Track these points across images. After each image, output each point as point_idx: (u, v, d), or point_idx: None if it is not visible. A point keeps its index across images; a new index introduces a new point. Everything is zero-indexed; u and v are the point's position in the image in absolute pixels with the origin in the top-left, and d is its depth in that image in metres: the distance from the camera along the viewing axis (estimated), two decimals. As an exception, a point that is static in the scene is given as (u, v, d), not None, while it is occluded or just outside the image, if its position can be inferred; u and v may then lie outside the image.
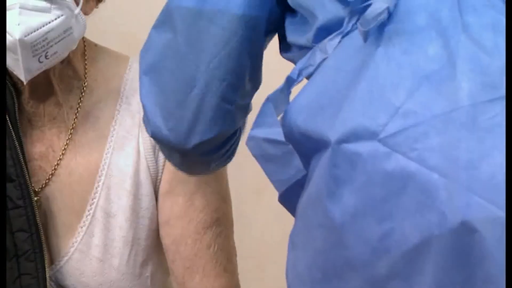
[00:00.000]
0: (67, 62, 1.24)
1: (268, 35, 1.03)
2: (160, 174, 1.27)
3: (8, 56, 1.13)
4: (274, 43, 1.06)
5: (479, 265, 0.75)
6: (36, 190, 1.25)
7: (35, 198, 1.23)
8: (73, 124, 1.26)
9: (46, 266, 1.22)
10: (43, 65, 1.15)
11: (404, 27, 0.83)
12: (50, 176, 1.26)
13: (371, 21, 0.83)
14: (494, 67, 0.79)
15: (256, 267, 1.91)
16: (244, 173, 1.65)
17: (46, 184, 1.26)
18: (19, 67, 1.13)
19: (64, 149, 1.26)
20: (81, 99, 1.27)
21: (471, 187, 0.75)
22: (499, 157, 0.76)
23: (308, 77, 0.92)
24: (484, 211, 0.75)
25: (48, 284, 1.22)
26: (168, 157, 1.10)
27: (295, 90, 0.92)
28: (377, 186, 0.79)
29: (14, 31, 1.11)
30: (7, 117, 1.22)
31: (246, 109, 1.07)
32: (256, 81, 1.05)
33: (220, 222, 1.28)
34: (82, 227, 1.26)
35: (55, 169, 1.26)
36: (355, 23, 0.88)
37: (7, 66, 1.15)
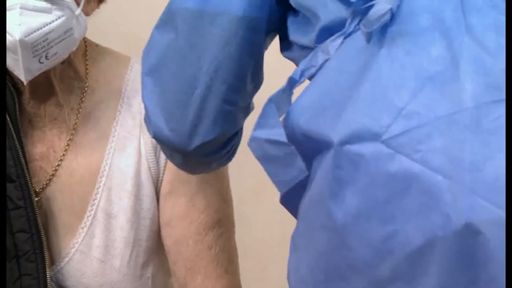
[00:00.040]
0: (68, 62, 1.24)
1: (269, 35, 1.03)
2: (161, 175, 1.27)
3: (8, 57, 1.12)
4: (274, 42, 1.06)
5: (483, 267, 0.75)
6: (37, 190, 1.25)
7: (36, 199, 1.23)
8: (74, 125, 1.26)
9: (46, 266, 1.22)
10: (44, 66, 1.15)
11: (407, 28, 0.83)
12: (51, 177, 1.26)
13: (374, 22, 0.83)
14: (497, 68, 0.78)
15: (257, 267, 1.91)
16: (245, 173, 1.65)
17: (46, 184, 1.26)
18: (19, 67, 1.13)
19: (65, 149, 1.26)
20: (82, 99, 1.26)
21: (475, 189, 0.75)
22: (503, 159, 0.75)
23: (310, 78, 0.92)
24: (488, 213, 0.74)
25: (48, 285, 1.22)
26: (170, 157, 1.10)
27: (297, 91, 0.92)
28: (380, 187, 0.79)
29: (15, 31, 1.10)
30: (7, 118, 1.22)
31: (247, 109, 1.07)
32: (257, 82, 1.05)
33: (222, 223, 1.28)
34: (83, 228, 1.25)
35: (56, 169, 1.26)
36: (358, 24, 0.88)
37: (7, 67, 1.15)
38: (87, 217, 1.25)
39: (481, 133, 0.76)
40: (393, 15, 0.83)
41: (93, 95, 1.27)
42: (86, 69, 1.27)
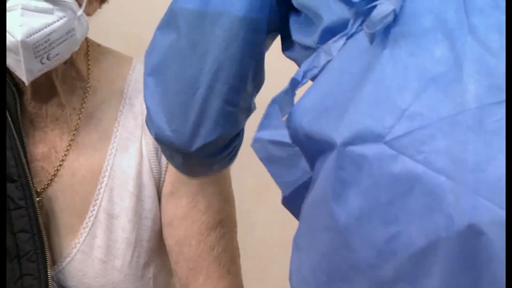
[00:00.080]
0: (70, 63, 1.24)
1: (270, 35, 1.03)
2: (163, 176, 1.26)
3: (10, 57, 1.12)
4: (276, 43, 1.06)
5: (486, 268, 0.75)
6: (38, 190, 1.25)
7: (37, 199, 1.23)
8: (76, 125, 1.26)
9: (48, 266, 1.22)
10: (45, 67, 1.15)
11: (410, 29, 0.83)
12: (52, 177, 1.25)
13: (377, 23, 0.83)
14: (500, 69, 0.78)
15: (257, 267, 1.91)
16: (246, 173, 1.65)
17: (48, 185, 1.26)
18: (21, 68, 1.13)
19: (67, 150, 1.26)
20: (84, 100, 1.26)
21: (478, 190, 0.75)
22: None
23: (312, 79, 0.92)
24: (491, 213, 0.74)
25: (50, 285, 1.22)
26: (170, 158, 1.10)
27: (300, 92, 0.92)
28: (383, 188, 0.79)
29: (16, 32, 1.10)
30: (9, 118, 1.22)
31: (249, 110, 1.07)
32: (258, 82, 1.05)
33: (224, 223, 1.27)
34: (84, 228, 1.25)
35: (57, 170, 1.25)
36: (360, 24, 0.88)
37: (9, 67, 1.15)
38: (89, 218, 1.25)
39: (484, 134, 0.76)
40: (396, 16, 0.83)
41: (95, 96, 1.27)
42: (88, 69, 1.27)
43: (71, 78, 1.26)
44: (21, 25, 1.10)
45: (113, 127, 1.26)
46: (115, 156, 1.25)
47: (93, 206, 1.25)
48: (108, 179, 1.25)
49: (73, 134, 1.26)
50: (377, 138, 0.80)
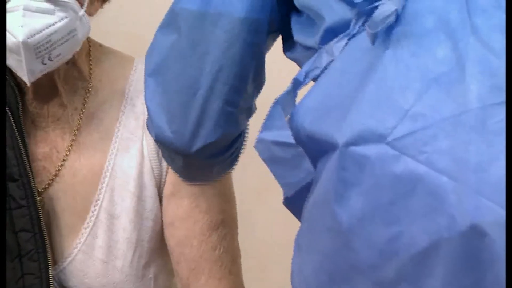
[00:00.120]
0: (72, 63, 1.24)
1: (271, 36, 1.03)
2: (164, 176, 1.26)
3: (11, 58, 1.12)
4: (276, 43, 1.06)
5: (489, 269, 0.75)
6: (39, 190, 1.25)
7: (38, 198, 1.23)
8: (77, 125, 1.26)
9: (49, 266, 1.22)
10: (47, 67, 1.15)
11: (412, 29, 0.82)
12: (53, 177, 1.26)
13: (380, 23, 0.82)
14: (503, 69, 0.78)
15: (257, 268, 1.91)
16: (247, 173, 1.65)
17: (49, 184, 1.26)
18: (22, 68, 1.13)
19: (68, 150, 1.26)
20: (86, 100, 1.26)
21: (480, 190, 0.75)
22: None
23: (314, 80, 0.91)
24: (493, 214, 0.74)
25: (51, 285, 1.22)
26: (170, 162, 1.10)
27: (302, 92, 0.91)
28: (385, 189, 0.79)
29: (18, 33, 1.10)
30: (11, 117, 1.22)
31: (249, 111, 1.07)
32: (258, 83, 1.05)
33: (225, 224, 1.27)
34: (85, 228, 1.25)
35: (58, 169, 1.26)
36: (362, 25, 0.87)
37: (11, 68, 1.15)
38: (90, 218, 1.25)
39: (486, 134, 0.76)
40: (398, 16, 0.83)
41: (97, 96, 1.27)
42: (90, 69, 1.27)
43: (73, 78, 1.26)
44: (22, 26, 1.10)
45: (115, 127, 1.26)
46: (116, 156, 1.25)
47: (94, 206, 1.25)
48: (109, 179, 1.25)
49: (75, 134, 1.26)
50: (379, 138, 0.79)
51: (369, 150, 0.80)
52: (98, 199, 1.25)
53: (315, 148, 0.86)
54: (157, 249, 1.30)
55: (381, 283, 0.80)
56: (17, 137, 1.21)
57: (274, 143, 0.89)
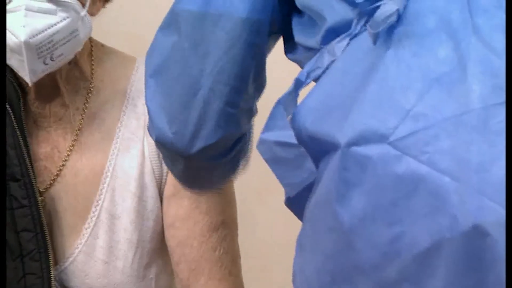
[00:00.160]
0: (74, 63, 1.24)
1: (272, 37, 1.03)
2: (165, 177, 1.26)
3: (13, 58, 1.12)
4: (277, 44, 1.06)
5: (491, 269, 0.75)
6: (41, 190, 1.25)
7: (40, 198, 1.23)
8: (79, 125, 1.26)
9: (51, 266, 1.22)
10: (49, 67, 1.15)
11: (413, 29, 0.82)
12: (55, 177, 1.26)
13: (381, 23, 0.82)
14: (504, 69, 0.78)
15: (258, 268, 1.91)
16: (247, 173, 1.65)
17: (51, 184, 1.26)
18: (24, 69, 1.13)
19: (70, 150, 1.26)
20: (88, 100, 1.26)
21: (482, 190, 0.75)
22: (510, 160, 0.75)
23: (316, 80, 0.91)
24: (495, 214, 0.74)
25: (52, 285, 1.22)
26: (171, 165, 1.09)
27: (303, 92, 0.91)
28: (387, 189, 0.79)
29: (19, 33, 1.10)
30: (13, 117, 1.22)
31: (251, 112, 1.06)
32: (259, 84, 1.05)
33: (226, 225, 1.27)
34: (86, 229, 1.25)
35: (60, 169, 1.26)
36: (364, 25, 0.87)
37: (12, 68, 1.15)
38: (91, 218, 1.25)
39: (488, 134, 0.76)
40: (399, 16, 0.83)
41: (98, 96, 1.27)
42: (92, 69, 1.27)
43: (74, 78, 1.26)
44: (24, 26, 1.10)
45: (116, 127, 1.26)
46: (117, 157, 1.25)
47: (95, 207, 1.25)
48: (110, 180, 1.25)
49: (76, 134, 1.26)
50: (381, 138, 0.79)
51: (371, 150, 0.80)
52: (99, 199, 1.25)
53: (317, 148, 0.86)
54: (158, 250, 1.30)
55: (383, 283, 0.80)
56: (19, 137, 1.22)
57: (276, 144, 0.89)
